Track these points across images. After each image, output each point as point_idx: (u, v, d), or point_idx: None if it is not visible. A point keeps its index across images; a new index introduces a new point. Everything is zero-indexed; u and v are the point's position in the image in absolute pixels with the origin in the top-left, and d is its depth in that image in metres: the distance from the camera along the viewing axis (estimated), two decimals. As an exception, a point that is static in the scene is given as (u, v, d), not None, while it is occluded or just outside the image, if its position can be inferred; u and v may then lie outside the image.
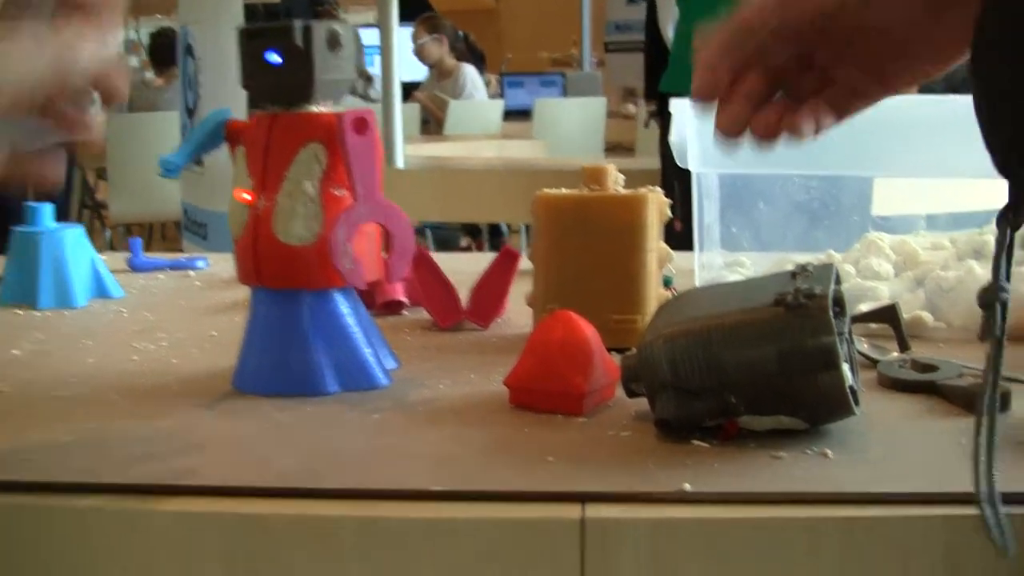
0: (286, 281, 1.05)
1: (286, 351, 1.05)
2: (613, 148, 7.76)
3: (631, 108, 9.19)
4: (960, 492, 0.80)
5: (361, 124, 1.01)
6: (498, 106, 8.80)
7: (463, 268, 1.40)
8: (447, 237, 7.53)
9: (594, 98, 9.19)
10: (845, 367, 0.89)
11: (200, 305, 1.48)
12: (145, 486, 0.84)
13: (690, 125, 1.36)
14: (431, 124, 8.31)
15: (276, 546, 0.80)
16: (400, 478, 0.85)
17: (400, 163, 4.19)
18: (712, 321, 0.91)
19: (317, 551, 0.80)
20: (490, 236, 7.40)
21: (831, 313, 0.88)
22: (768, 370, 0.89)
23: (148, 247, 6.86)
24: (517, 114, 9.08)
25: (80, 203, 7.54)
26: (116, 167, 6.28)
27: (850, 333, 0.99)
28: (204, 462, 0.89)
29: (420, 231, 7.20)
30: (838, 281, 0.96)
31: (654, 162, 3.89)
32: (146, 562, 0.82)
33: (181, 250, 4.48)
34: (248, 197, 1.04)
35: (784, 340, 0.88)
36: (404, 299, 1.40)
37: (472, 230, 7.77)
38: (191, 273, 1.72)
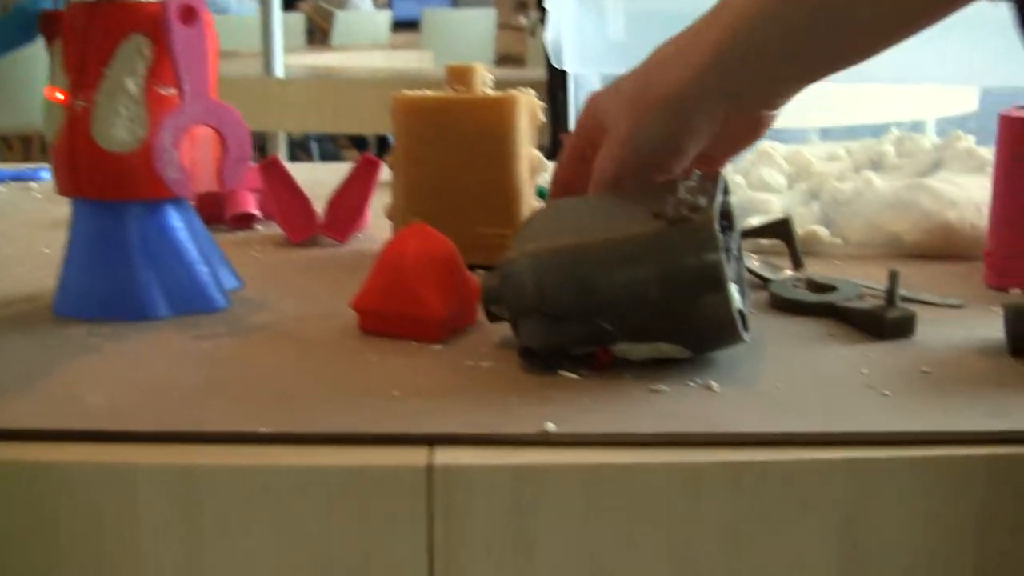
0: (108, 191, 0.93)
1: (110, 271, 0.94)
2: (503, 60, 7.65)
3: (522, 20, 9.08)
4: (865, 432, 0.71)
5: (188, 13, 0.90)
6: (386, 17, 8.67)
7: (322, 179, 1.30)
8: (334, 151, 7.40)
9: (484, 9, 9.06)
10: (733, 288, 0.80)
11: (36, 219, 1.35)
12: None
13: (567, 23, 1.25)
14: (316, 35, 8.17)
15: (75, 500, 0.69)
16: (223, 418, 0.74)
17: (279, 72, 4.07)
18: (583, 237, 0.81)
19: (120, 505, 0.69)
20: (379, 151, 7.28)
21: (717, 227, 0.78)
22: (646, 292, 0.79)
23: (27, 159, 6.66)
24: (406, 25, 8.93)
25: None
26: (-12, 76, 6.08)
27: (739, 250, 0.90)
28: (2, 400, 0.77)
29: (304, 145, 7.08)
30: (726, 192, 0.87)
31: (544, 73, 3.80)
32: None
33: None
34: (61, 96, 0.92)
35: (664, 258, 0.78)
36: (256, 212, 1.29)
37: (359, 143, 7.65)
38: (33, 184, 1.59)
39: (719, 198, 0.82)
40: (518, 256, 0.82)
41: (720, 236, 0.78)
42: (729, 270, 0.80)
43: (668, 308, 0.79)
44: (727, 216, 0.86)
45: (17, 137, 7.02)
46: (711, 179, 0.85)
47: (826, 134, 1.47)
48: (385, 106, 1.09)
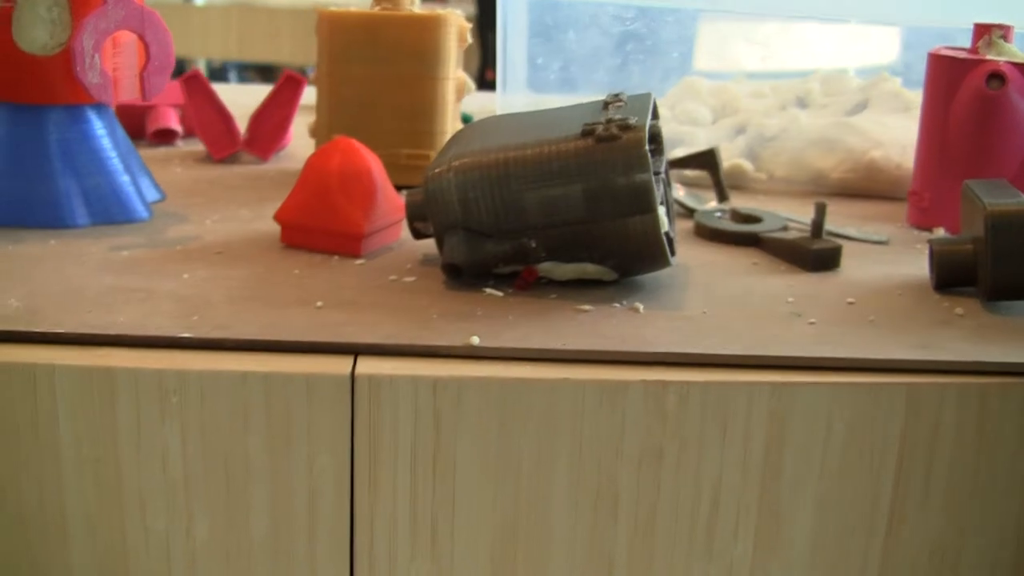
0: (28, 95, 0.91)
1: (29, 177, 0.92)
2: (429, -4, 7.60)
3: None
4: (790, 356, 0.71)
5: (115, -87, 0.88)
6: (309, -52, 8.57)
7: (242, 101, 1.28)
8: (252, 81, 7.32)
9: (411, -57, 9.00)
10: (661, 210, 0.79)
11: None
12: None
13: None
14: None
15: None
16: (141, 323, 0.72)
17: (200, -1, 4.05)
18: (510, 152, 0.79)
19: (39, 405, 0.67)
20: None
21: (647, 148, 0.77)
22: (572, 210, 0.78)
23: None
24: (329, -43, 8.86)
25: None
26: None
27: (667, 174, 0.89)
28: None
29: (223, 73, 7.00)
30: (655, 115, 0.86)
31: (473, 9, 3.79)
32: None
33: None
34: (-19, -3, 0.90)
35: (592, 177, 0.78)
36: (177, 128, 1.27)
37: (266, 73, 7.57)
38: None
39: (649, 119, 0.81)
40: (443, 170, 0.81)
41: (650, 158, 0.78)
42: (658, 193, 0.79)
43: (595, 227, 0.78)
44: (656, 139, 0.85)
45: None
46: (641, 100, 0.84)
47: (751, 78, 1.46)
48: (308, 36, 1.08)
